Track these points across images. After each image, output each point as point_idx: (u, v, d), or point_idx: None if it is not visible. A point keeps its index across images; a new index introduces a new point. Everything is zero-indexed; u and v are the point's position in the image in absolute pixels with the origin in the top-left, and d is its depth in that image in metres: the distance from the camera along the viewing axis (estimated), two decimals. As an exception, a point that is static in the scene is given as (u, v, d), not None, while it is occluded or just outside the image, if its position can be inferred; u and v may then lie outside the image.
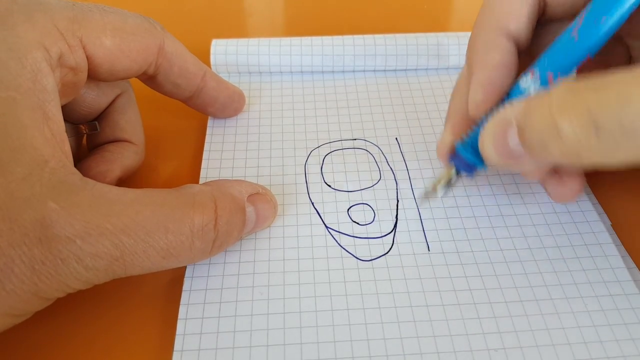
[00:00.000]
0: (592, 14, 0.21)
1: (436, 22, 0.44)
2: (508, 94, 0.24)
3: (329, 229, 0.26)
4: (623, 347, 0.21)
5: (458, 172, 0.25)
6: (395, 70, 0.36)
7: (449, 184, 0.25)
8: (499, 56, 0.24)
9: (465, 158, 0.24)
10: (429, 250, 0.25)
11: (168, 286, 0.24)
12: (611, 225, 0.26)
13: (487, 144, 0.22)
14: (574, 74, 0.22)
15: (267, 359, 0.21)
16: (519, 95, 0.22)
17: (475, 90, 0.24)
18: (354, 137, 0.31)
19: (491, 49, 0.24)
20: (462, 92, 0.26)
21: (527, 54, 0.25)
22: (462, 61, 0.35)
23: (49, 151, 0.19)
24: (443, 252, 0.25)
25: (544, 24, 0.25)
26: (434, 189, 0.25)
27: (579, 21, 0.21)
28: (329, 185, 0.28)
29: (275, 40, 0.35)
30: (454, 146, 0.25)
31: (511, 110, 0.21)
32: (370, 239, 0.25)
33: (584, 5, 0.23)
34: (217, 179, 0.28)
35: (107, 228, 0.19)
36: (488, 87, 0.24)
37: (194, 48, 0.29)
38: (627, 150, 0.18)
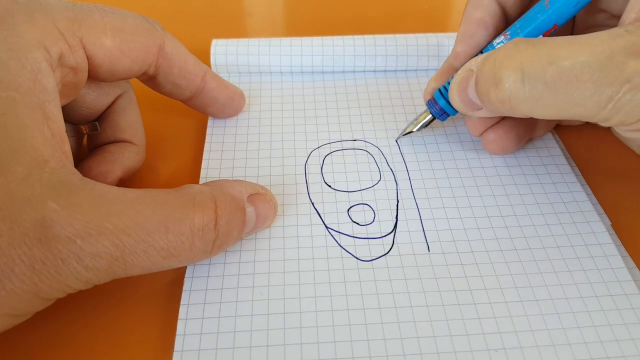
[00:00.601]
0: None
1: (436, 22, 0.44)
2: (481, 51, 0.27)
3: (329, 229, 0.26)
4: (623, 347, 0.21)
5: (433, 116, 0.29)
6: (395, 70, 0.36)
7: (423, 125, 0.29)
8: (480, 13, 0.27)
9: (440, 104, 0.28)
10: (429, 250, 0.25)
11: (168, 286, 0.24)
12: (611, 225, 0.26)
13: (454, 92, 0.26)
14: (542, 38, 0.23)
15: (267, 359, 0.21)
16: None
17: (456, 42, 0.28)
18: (354, 138, 0.31)
19: (477, 7, 0.27)
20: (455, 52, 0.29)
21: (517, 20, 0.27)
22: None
23: (49, 151, 0.19)
24: (443, 253, 0.25)
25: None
26: (412, 128, 0.30)
27: None
28: (329, 186, 0.28)
29: (275, 41, 0.35)
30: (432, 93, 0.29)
31: (474, 61, 0.24)
32: (370, 239, 0.25)
33: None
34: (217, 179, 0.28)
35: (107, 228, 0.19)
36: (467, 40, 0.27)
37: (194, 48, 0.29)
38: (548, 102, 0.21)
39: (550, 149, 0.30)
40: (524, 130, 0.29)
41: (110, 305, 0.23)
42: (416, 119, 0.30)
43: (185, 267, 0.24)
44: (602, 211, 0.27)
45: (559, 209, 0.27)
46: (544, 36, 0.25)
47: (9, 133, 0.19)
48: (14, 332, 0.21)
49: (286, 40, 0.35)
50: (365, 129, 0.32)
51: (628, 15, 0.22)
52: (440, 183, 0.28)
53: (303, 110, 0.33)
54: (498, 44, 0.26)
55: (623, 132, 0.22)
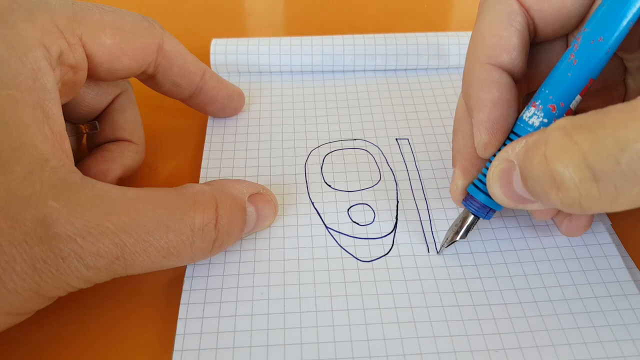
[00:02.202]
0: (590, 35, 0.20)
1: (436, 22, 0.44)
2: (512, 130, 0.23)
3: (329, 229, 0.26)
4: (623, 347, 0.21)
5: (475, 215, 0.24)
6: (395, 70, 0.36)
7: (468, 228, 0.24)
8: (497, 92, 0.22)
9: (482, 201, 0.23)
10: (428, 251, 0.25)
11: (168, 286, 0.24)
12: (611, 225, 0.26)
13: (495, 188, 0.21)
14: (579, 98, 0.21)
15: (267, 359, 0.21)
16: (524, 130, 0.22)
17: (479, 132, 0.23)
18: (354, 138, 0.31)
19: (487, 85, 0.23)
20: (464, 129, 0.25)
21: (523, 79, 0.24)
22: (462, 61, 0.35)
23: (50, 150, 0.19)
24: (443, 254, 0.25)
25: (536, 46, 0.24)
26: (454, 236, 0.24)
27: (575, 44, 0.20)
28: (329, 185, 0.28)
29: (275, 40, 0.35)
30: (466, 190, 0.24)
31: (512, 151, 0.20)
32: (370, 240, 0.25)
33: (574, 25, 0.23)
34: (217, 178, 0.28)
35: (107, 227, 0.19)
36: (492, 126, 0.22)
37: (194, 48, 0.29)
38: (631, 196, 0.17)
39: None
40: None
41: (111, 304, 0.23)
42: (456, 224, 0.24)
43: (185, 267, 0.24)
44: (601, 211, 0.27)
45: (559, 210, 0.27)
46: (581, 96, 0.21)
47: (9, 132, 0.19)
48: (15, 331, 0.21)
49: (286, 40, 0.35)
50: (365, 128, 0.32)
51: None
52: (440, 183, 0.28)
53: (303, 110, 0.33)
54: (530, 117, 0.22)
55: None
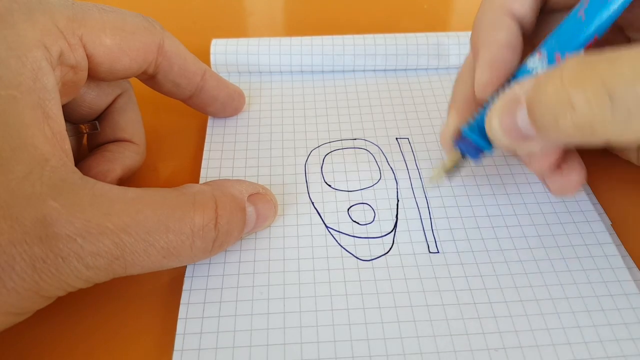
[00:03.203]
0: None
1: (436, 22, 0.44)
2: (514, 75, 0.23)
3: (329, 229, 0.26)
4: (623, 346, 0.21)
5: (464, 156, 0.24)
6: (395, 69, 0.36)
7: (455, 169, 0.25)
8: (505, 35, 0.23)
9: (473, 141, 0.24)
10: (429, 250, 0.25)
11: (168, 285, 0.24)
12: (611, 225, 0.26)
13: (495, 124, 0.21)
14: (581, 54, 0.21)
15: (267, 359, 0.21)
16: (526, 75, 0.22)
17: (481, 70, 0.23)
18: (354, 137, 0.31)
19: (497, 28, 0.23)
20: (467, 77, 0.25)
21: (529, 42, 0.25)
22: (462, 61, 0.35)
23: (50, 150, 0.19)
24: (443, 252, 0.25)
25: (546, 14, 0.25)
26: (441, 175, 0.25)
27: (585, 2, 0.21)
28: (329, 185, 0.28)
29: (275, 40, 0.35)
30: (459, 130, 0.24)
31: (520, 88, 0.20)
32: (370, 239, 0.25)
33: None
34: (217, 178, 0.28)
35: (107, 227, 0.19)
36: (495, 67, 0.23)
37: (194, 48, 0.29)
38: None
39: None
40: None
41: (111, 303, 0.23)
42: (444, 164, 0.25)
43: (185, 267, 0.24)
44: (602, 211, 0.27)
45: (559, 209, 0.27)
46: (585, 50, 0.22)
47: (10, 131, 0.19)
48: (14, 331, 0.21)
49: (286, 40, 0.35)
50: (365, 127, 0.32)
51: None
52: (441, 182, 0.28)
53: (303, 110, 0.33)
54: (534, 68, 0.22)
55: None
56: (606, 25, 0.21)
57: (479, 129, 0.23)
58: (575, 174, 0.24)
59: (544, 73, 0.19)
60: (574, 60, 0.18)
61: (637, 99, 0.17)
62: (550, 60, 0.22)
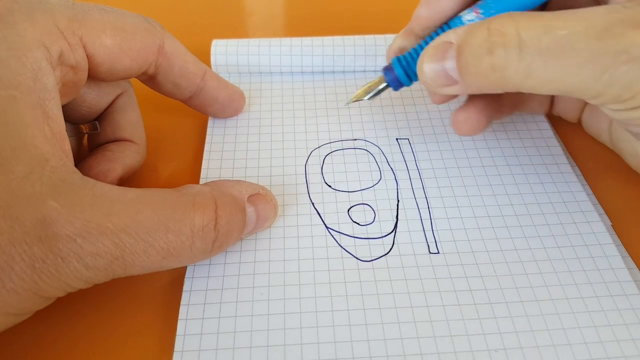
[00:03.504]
0: None
1: (436, 23, 0.44)
2: (449, 24, 0.26)
3: (330, 230, 0.26)
4: (624, 347, 0.21)
5: (388, 84, 0.28)
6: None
7: (376, 93, 0.28)
8: None
9: (397, 74, 0.27)
10: (429, 250, 0.25)
11: (168, 287, 0.24)
12: (611, 225, 0.26)
13: (425, 64, 0.24)
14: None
15: None
16: (460, 26, 0.24)
17: (421, 5, 0.26)
18: (354, 137, 0.31)
19: None
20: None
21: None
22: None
23: (50, 150, 0.19)
24: (444, 253, 0.25)
25: None
26: (363, 94, 0.28)
27: None
28: (329, 186, 0.28)
29: (275, 41, 0.35)
30: (400, 52, 0.28)
31: (453, 33, 0.23)
32: (370, 240, 0.25)
33: None
34: (218, 179, 0.28)
35: (107, 227, 0.19)
36: (433, 4, 0.26)
37: (194, 48, 0.29)
38: (543, 72, 0.20)
39: (551, 147, 0.30)
40: (492, 112, 0.28)
41: (111, 305, 0.23)
42: (368, 85, 0.28)
43: (186, 268, 0.24)
44: (602, 211, 0.27)
45: (560, 209, 0.27)
46: None
47: (10, 131, 0.19)
48: (14, 331, 0.21)
49: (286, 40, 0.35)
50: (366, 128, 0.32)
51: None
52: (441, 182, 0.28)
53: (303, 110, 0.33)
54: (469, 20, 0.25)
55: (616, 114, 0.22)
56: None
57: (406, 64, 0.27)
58: (465, 114, 0.27)
59: (478, 22, 0.22)
60: (504, 15, 0.21)
61: (540, 50, 0.20)
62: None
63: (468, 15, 0.25)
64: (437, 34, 0.25)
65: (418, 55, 0.26)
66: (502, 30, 0.21)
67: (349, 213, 0.27)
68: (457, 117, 0.27)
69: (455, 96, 0.27)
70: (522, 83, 0.21)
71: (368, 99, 0.28)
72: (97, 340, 0.22)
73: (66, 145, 0.20)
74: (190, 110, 0.31)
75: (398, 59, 0.27)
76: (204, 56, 0.33)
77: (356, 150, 0.30)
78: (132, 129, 0.28)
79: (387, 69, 0.27)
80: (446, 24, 0.26)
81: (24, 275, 0.18)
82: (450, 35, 0.23)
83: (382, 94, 0.34)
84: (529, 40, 0.20)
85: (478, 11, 0.25)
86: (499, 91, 0.23)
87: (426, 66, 0.24)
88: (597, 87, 0.20)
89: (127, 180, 0.28)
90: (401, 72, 0.27)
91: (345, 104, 0.29)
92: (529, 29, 0.20)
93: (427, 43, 0.26)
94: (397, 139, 0.31)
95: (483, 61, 0.21)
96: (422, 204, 0.27)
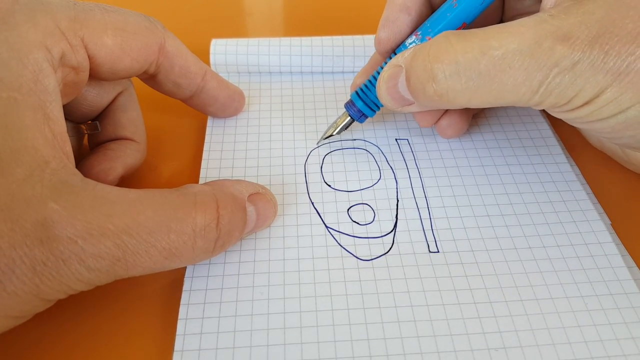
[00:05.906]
0: None
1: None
2: (394, 51, 0.27)
3: (329, 229, 0.26)
4: (623, 346, 0.21)
5: (352, 118, 0.29)
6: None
7: (342, 127, 0.30)
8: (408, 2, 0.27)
9: (358, 106, 0.28)
10: (429, 249, 0.25)
11: (168, 286, 0.24)
12: (611, 224, 0.26)
13: (382, 90, 0.25)
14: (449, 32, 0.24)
15: (268, 359, 0.21)
16: (404, 50, 0.25)
17: (380, 27, 0.27)
18: (354, 138, 0.31)
19: None
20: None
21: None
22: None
23: (50, 152, 0.19)
24: (443, 252, 0.25)
25: None
26: (332, 131, 0.30)
27: None
28: (329, 185, 0.28)
29: (275, 40, 0.35)
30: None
31: (401, 57, 0.24)
32: (370, 239, 0.25)
33: None
34: (217, 178, 0.28)
35: (108, 228, 0.19)
36: (390, 25, 0.27)
37: (194, 48, 0.29)
38: (484, 92, 0.22)
39: (550, 147, 0.30)
40: (473, 111, 0.30)
41: (111, 305, 0.23)
42: (335, 122, 0.30)
43: (186, 267, 0.24)
44: (602, 210, 0.27)
45: (559, 208, 0.27)
46: None
47: (10, 134, 0.19)
48: (14, 332, 0.21)
49: (286, 40, 0.35)
50: (365, 128, 0.32)
51: (547, 0, 0.23)
52: (440, 182, 0.28)
53: (303, 110, 0.33)
54: (410, 44, 0.26)
55: (556, 114, 0.23)
56: (475, 13, 0.25)
57: (365, 95, 0.28)
58: (448, 120, 0.29)
59: (419, 45, 0.23)
60: (441, 36, 0.22)
61: (479, 73, 0.21)
62: (424, 40, 0.26)
63: (409, 39, 0.27)
64: (395, 55, 0.27)
65: (373, 84, 0.28)
66: (440, 56, 0.22)
67: (349, 212, 0.27)
68: (441, 125, 0.29)
69: (439, 111, 0.29)
70: (469, 102, 0.22)
71: (336, 133, 0.30)
72: (97, 339, 0.22)
73: (67, 146, 0.20)
74: (190, 109, 0.31)
75: (356, 92, 0.29)
76: (204, 55, 0.33)
77: (355, 150, 0.30)
78: (133, 127, 0.28)
79: (349, 104, 0.29)
80: (404, 44, 0.27)
81: (25, 278, 0.18)
82: (399, 59, 0.24)
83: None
84: (467, 63, 0.21)
85: (417, 34, 0.26)
86: (452, 108, 0.24)
87: (383, 91, 0.25)
88: (536, 98, 0.22)
89: (127, 179, 0.28)
90: (362, 104, 0.28)
91: (317, 143, 0.30)
92: (466, 52, 0.21)
93: (379, 73, 0.27)
94: (396, 139, 0.31)
95: (427, 87, 0.23)
96: (422, 203, 0.27)
